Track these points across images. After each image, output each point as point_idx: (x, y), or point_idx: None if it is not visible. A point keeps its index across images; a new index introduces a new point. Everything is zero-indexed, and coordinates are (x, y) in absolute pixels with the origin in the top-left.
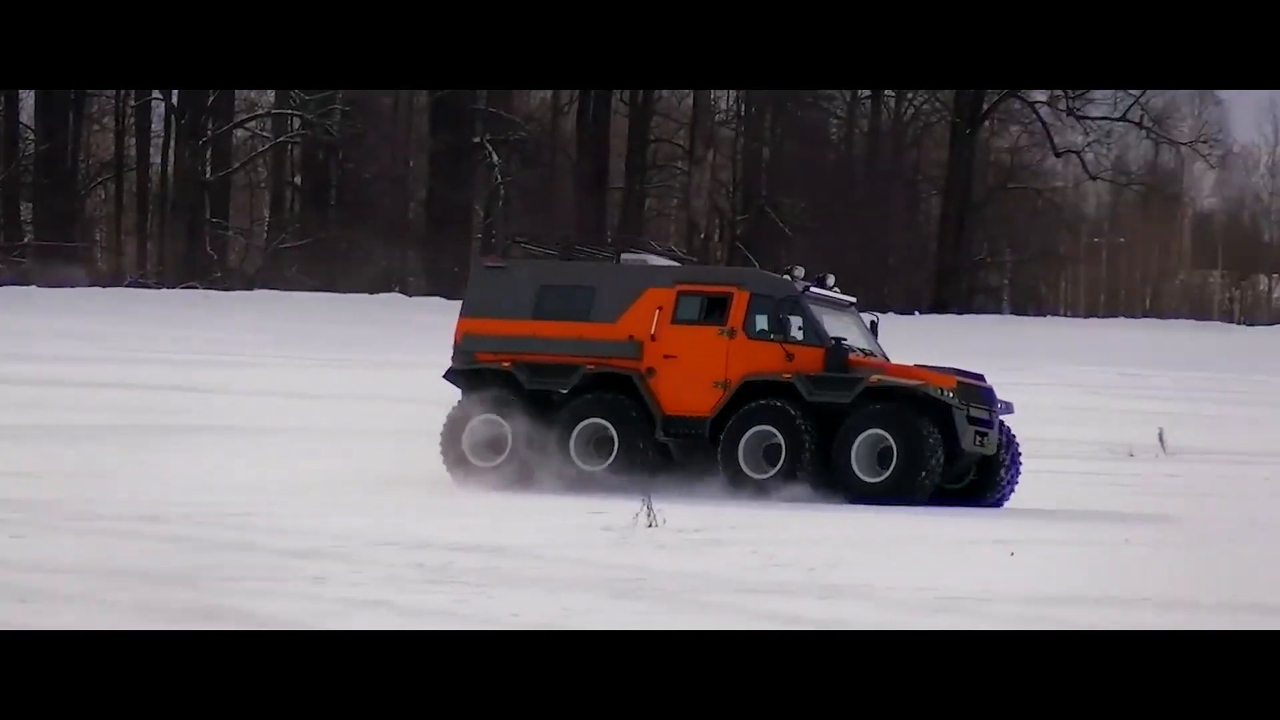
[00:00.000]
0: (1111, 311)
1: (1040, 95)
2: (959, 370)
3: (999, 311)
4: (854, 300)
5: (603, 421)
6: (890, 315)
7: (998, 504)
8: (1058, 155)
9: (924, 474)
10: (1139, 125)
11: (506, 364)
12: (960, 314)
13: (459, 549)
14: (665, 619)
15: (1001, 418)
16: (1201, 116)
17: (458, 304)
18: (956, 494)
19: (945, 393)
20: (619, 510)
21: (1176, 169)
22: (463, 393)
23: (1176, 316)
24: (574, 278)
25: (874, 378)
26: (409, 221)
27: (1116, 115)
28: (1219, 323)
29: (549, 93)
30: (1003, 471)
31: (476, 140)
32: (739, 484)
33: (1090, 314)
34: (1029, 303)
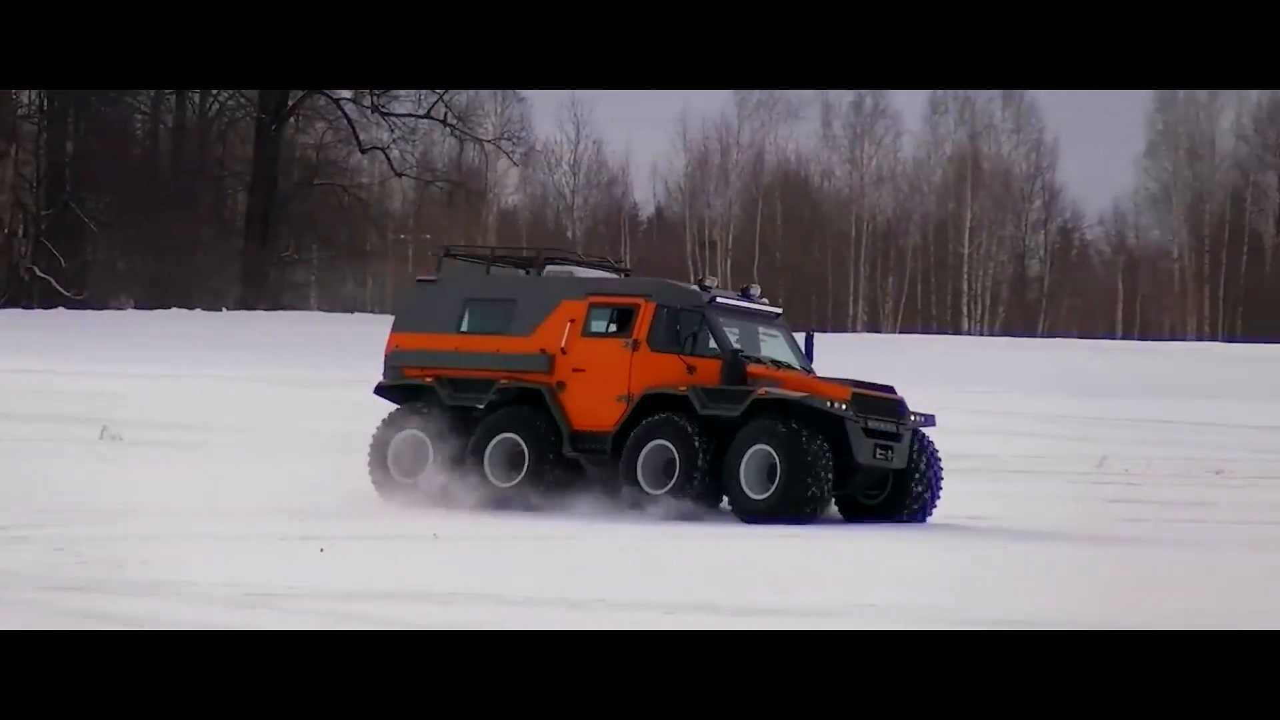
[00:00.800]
0: None
1: (345, 92)
2: (859, 381)
3: (307, 308)
4: (780, 311)
5: (515, 437)
6: (197, 313)
7: (918, 519)
8: (364, 152)
9: (809, 489)
10: (443, 123)
11: (429, 379)
12: (270, 310)
13: None
14: None
15: (923, 430)
16: (504, 114)
17: None
18: (871, 510)
19: (835, 404)
20: None
21: (481, 166)
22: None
23: None
24: (497, 291)
25: (763, 390)
26: None
27: (421, 113)
28: None
29: None
30: (917, 485)
31: None
32: (638, 499)
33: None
34: (336, 300)
